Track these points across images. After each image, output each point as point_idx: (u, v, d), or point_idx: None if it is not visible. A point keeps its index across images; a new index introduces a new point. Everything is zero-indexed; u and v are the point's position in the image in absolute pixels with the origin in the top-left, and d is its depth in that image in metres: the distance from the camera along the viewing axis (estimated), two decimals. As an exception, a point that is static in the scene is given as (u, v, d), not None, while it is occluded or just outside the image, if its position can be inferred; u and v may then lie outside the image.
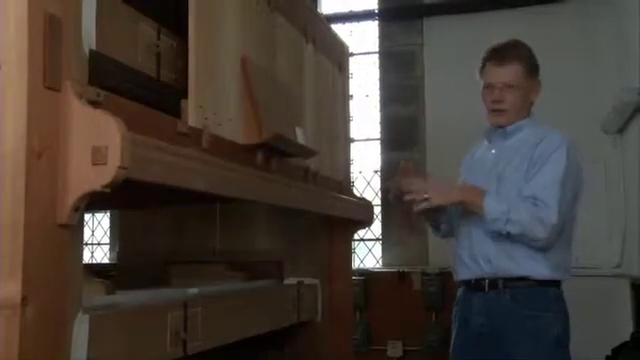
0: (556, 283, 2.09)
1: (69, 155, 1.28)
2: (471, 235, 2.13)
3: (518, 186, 2.06)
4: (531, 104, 2.21)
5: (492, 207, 2.01)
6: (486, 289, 2.09)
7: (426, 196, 2.04)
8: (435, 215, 2.28)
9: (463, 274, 2.17)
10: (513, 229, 1.99)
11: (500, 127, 2.19)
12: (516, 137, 2.16)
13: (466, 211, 2.13)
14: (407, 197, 2.08)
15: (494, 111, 2.17)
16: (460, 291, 2.22)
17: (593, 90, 4.94)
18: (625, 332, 4.17)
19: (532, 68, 2.17)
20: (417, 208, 2.06)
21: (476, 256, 2.10)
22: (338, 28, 5.45)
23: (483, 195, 2.05)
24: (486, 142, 2.27)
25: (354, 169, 5.26)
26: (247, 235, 2.95)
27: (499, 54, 2.16)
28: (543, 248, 2.03)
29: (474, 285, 2.12)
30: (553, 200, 1.99)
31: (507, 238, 2.03)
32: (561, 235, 2.06)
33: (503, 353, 2.04)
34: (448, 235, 2.34)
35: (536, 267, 2.04)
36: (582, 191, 2.13)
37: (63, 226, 1.29)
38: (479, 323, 2.09)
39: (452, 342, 2.22)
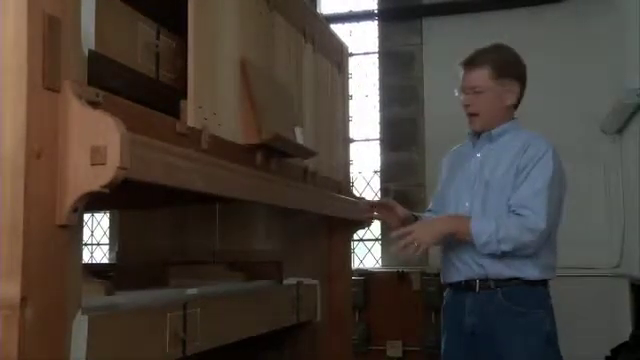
0: (544, 282, 2.12)
1: (68, 155, 1.28)
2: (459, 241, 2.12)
3: (506, 194, 2.07)
4: (511, 107, 2.20)
5: (480, 231, 2.02)
6: (477, 289, 2.10)
7: (416, 243, 2.04)
8: None
9: (453, 277, 2.17)
10: (506, 246, 2.01)
11: (483, 131, 2.20)
12: (500, 140, 2.18)
13: (458, 241, 2.13)
14: (399, 252, 2.08)
15: (468, 115, 2.20)
16: (448, 294, 2.23)
17: (592, 90, 4.94)
18: (624, 332, 4.17)
19: (501, 71, 2.16)
20: (414, 255, 2.06)
21: (467, 260, 2.11)
22: (337, 28, 5.45)
23: (468, 221, 2.06)
24: (471, 145, 2.27)
25: (353, 169, 5.25)
26: (246, 235, 2.95)
27: (468, 59, 2.20)
28: (532, 254, 2.05)
29: (464, 286, 2.13)
30: (541, 206, 2.00)
31: (502, 257, 2.04)
32: (549, 238, 2.08)
33: (496, 352, 2.05)
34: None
35: (526, 269, 2.06)
36: (565, 194, 2.15)
37: (62, 226, 1.29)
38: (471, 323, 2.10)
39: (443, 346, 2.22)
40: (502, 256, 2.03)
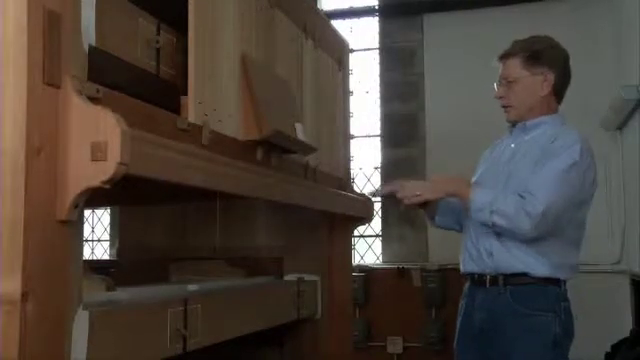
0: (558, 282, 2.06)
1: (68, 151, 1.28)
2: (476, 228, 2.12)
3: (525, 184, 2.02)
4: (549, 98, 2.13)
5: (478, 198, 2.02)
6: (487, 285, 2.08)
7: (418, 193, 2.07)
8: (429, 208, 2.29)
9: (467, 266, 2.17)
10: (498, 220, 1.98)
11: (519, 122, 2.16)
12: (534, 133, 2.13)
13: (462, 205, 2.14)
14: (399, 195, 2.11)
15: (503, 107, 2.17)
16: (466, 285, 2.22)
17: (593, 87, 4.93)
18: (625, 328, 4.18)
19: (533, 59, 2.10)
20: (407, 202, 2.10)
21: (479, 249, 2.10)
22: (338, 24, 5.43)
23: (470, 186, 2.06)
24: (510, 135, 2.23)
25: (354, 165, 5.25)
26: (247, 231, 2.95)
27: (503, 52, 2.16)
28: (531, 240, 2.01)
29: (477, 279, 2.13)
30: (545, 193, 1.96)
31: (494, 231, 2.02)
32: (563, 235, 2.04)
33: (501, 350, 2.04)
34: (443, 226, 2.34)
35: (536, 265, 2.02)
36: (591, 194, 2.11)
37: (63, 222, 1.29)
38: (480, 318, 2.10)
39: (456, 335, 2.22)
40: (493, 227, 2.00)
